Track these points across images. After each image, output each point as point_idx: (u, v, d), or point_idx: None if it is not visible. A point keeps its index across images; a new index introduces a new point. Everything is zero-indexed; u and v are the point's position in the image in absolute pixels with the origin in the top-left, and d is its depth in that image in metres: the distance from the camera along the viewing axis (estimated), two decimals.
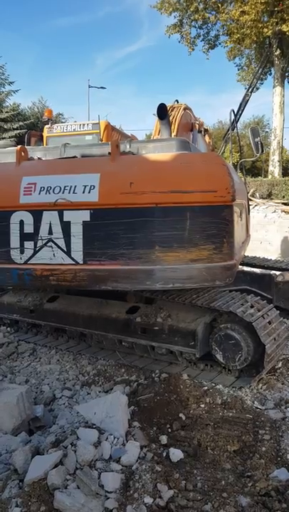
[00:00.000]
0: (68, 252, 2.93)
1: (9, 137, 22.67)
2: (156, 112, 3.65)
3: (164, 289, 3.17)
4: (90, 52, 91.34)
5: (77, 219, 2.90)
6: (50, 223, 2.94)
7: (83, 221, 2.89)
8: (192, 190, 2.80)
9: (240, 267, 5.62)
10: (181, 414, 2.73)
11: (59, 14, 77.63)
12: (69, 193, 2.90)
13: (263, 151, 5.25)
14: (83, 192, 2.88)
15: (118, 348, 3.82)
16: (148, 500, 1.98)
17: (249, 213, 5.02)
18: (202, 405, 2.86)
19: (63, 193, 2.91)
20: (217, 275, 2.84)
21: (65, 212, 2.91)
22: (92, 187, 2.88)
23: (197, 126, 5.83)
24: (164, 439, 2.48)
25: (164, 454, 2.34)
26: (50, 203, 2.92)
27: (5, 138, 22.66)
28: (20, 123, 24.20)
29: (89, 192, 2.87)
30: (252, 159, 6.07)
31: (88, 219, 2.89)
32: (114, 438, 2.33)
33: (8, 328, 4.58)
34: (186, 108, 5.99)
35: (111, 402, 2.49)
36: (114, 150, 3.01)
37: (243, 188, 4.38)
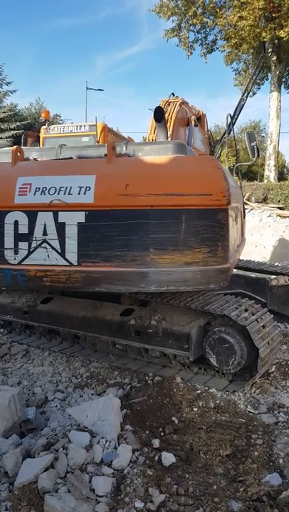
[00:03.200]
0: (63, 253, 2.92)
1: (6, 137, 22.63)
2: (153, 115, 3.68)
3: (158, 292, 3.16)
4: (89, 54, 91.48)
5: (72, 220, 2.89)
6: (44, 224, 2.93)
7: (78, 222, 2.89)
8: (187, 193, 2.80)
9: (235, 270, 5.64)
10: (173, 418, 2.72)
11: (59, 15, 77.66)
12: (64, 194, 2.89)
13: (259, 155, 5.26)
14: (78, 193, 2.88)
15: (112, 351, 3.80)
16: (139, 504, 1.97)
17: (244, 217, 5.03)
18: (195, 409, 2.85)
19: (58, 194, 2.90)
20: (212, 278, 2.84)
21: (60, 213, 2.91)
22: (87, 188, 2.88)
23: (193, 120, 5.78)
24: (156, 442, 2.46)
25: (156, 458, 2.32)
26: (45, 203, 2.91)
27: (1, 138, 22.62)
28: (18, 123, 24.15)
29: (84, 193, 2.87)
30: (248, 163, 6.09)
31: (83, 220, 2.89)
32: (106, 441, 2.32)
33: (1, 329, 4.55)
34: (183, 103, 5.94)
35: (103, 405, 2.48)
36: (111, 152, 3.01)
37: (238, 192, 4.38)
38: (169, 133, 5.05)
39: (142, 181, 2.87)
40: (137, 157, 3.24)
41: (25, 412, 2.62)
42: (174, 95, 6.17)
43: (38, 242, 2.95)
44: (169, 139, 4.86)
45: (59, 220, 2.91)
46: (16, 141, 21.55)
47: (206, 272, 2.82)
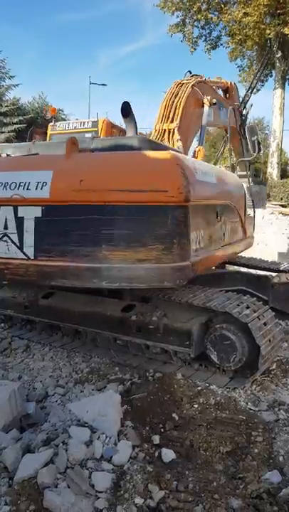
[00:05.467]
0: (21, 247, 2.99)
1: (8, 131, 22.57)
2: (120, 111, 3.58)
3: (111, 288, 3.13)
4: (93, 49, 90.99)
5: (30, 215, 2.97)
6: (5, 218, 3.02)
7: (35, 217, 2.96)
8: (142, 190, 2.79)
9: (236, 267, 5.61)
10: (174, 414, 2.72)
11: (63, 10, 77.10)
12: (23, 189, 2.97)
13: (260, 150, 5.19)
14: (36, 188, 2.95)
15: (112, 346, 3.79)
16: (138, 500, 1.97)
17: (246, 214, 4.98)
18: (195, 405, 2.84)
19: (18, 189, 2.98)
20: (166, 276, 2.82)
21: (19, 207, 2.99)
22: (44, 184, 2.94)
23: (208, 101, 5.37)
24: (156, 439, 2.46)
25: (156, 454, 2.32)
26: (6, 198, 2.99)
27: (4, 132, 22.55)
28: (20, 117, 24.03)
29: (41, 188, 2.93)
30: (248, 159, 5.99)
31: (40, 215, 2.95)
32: (107, 437, 2.31)
33: (2, 324, 4.54)
34: (200, 82, 5.50)
35: (104, 400, 2.48)
36: (69, 147, 3.04)
37: (229, 189, 4.28)
38: (177, 121, 4.85)
39: (96, 177, 2.89)
40: (96, 153, 3.24)
41: (25, 407, 2.61)
42: (190, 73, 5.79)
43: (0, 236, 3.01)
44: (176, 126, 4.71)
45: (18, 215, 2.99)
46: (19, 135, 21.54)
47: (160, 269, 2.81)
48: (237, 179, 5.04)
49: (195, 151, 5.11)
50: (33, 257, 2.99)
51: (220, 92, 6.59)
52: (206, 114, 5.24)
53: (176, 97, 5.11)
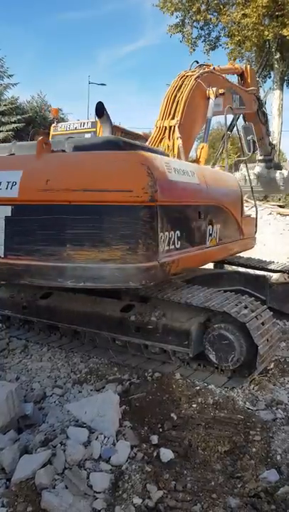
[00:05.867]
0: None
1: (6, 130, 22.53)
2: (95, 111, 3.57)
3: (76, 287, 3.14)
4: (93, 49, 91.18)
5: (1, 214, 3.03)
6: None
7: (5, 216, 3.03)
8: (106, 189, 2.80)
9: (234, 267, 5.61)
10: (172, 414, 2.71)
11: (63, 9, 77.35)
12: None
13: (255, 149, 5.13)
14: (6, 188, 3.02)
15: (111, 347, 3.79)
16: (137, 500, 1.96)
17: (244, 215, 4.90)
18: (194, 405, 2.84)
19: None
20: (131, 276, 2.82)
21: None
22: (13, 183, 3.00)
23: (213, 93, 5.04)
24: (154, 439, 2.46)
25: (155, 454, 2.32)
26: None
27: (2, 131, 22.51)
28: (19, 117, 23.97)
29: (11, 188, 3.00)
30: (244, 158, 5.96)
31: (10, 214, 3.02)
32: (105, 437, 2.31)
33: (0, 325, 4.53)
34: (206, 72, 5.18)
35: (102, 401, 2.47)
36: (39, 147, 3.07)
37: (218, 190, 4.20)
38: (178, 117, 4.61)
39: (62, 177, 2.92)
40: (68, 153, 3.26)
41: (23, 408, 2.60)
42: (197, 63, 5.48)
43: None
44: (177, 123, 4.59)
45: None
46: (17, 134, 21.50)
47: (124, 269, 2.81)
48: (232, 180, 4.89)
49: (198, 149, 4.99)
50: (3, 256, 3.06)
51: (235, 79, 6.22)
52: (211, 107, 5.00)
53: (178, 91, 4.81)
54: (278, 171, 8.03)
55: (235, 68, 6.58)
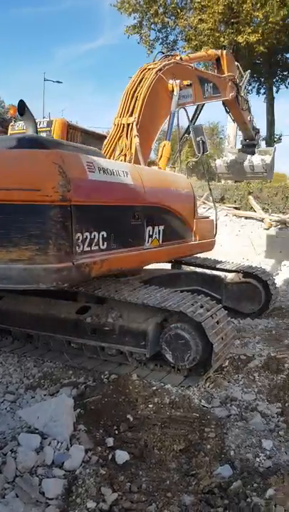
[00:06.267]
0: None
1: None
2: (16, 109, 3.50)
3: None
4: (50, 45, 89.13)
5: None
6: None
7: None
8: (15, 188, 2.76)
9: (192, 268, 5.70)
10: (128, 416, 2.70)
11: (19, 3, 74.95)
12: None
13: (205, 150, 5.08)
14: None
15: (66, 350, 3.71)
16: (91, 504, 1.93)
17: (196, 217, 4.83)
18: (150, 405, 2.84)
19: None
20: (40, 277, 2.77)
21: None
22: None
23: (177, 86, 4.79)
24: (110, 441, 2.43)
25: (110, 457, 2.29)
26: None
27: None
28: None
29: None
30: (194, 160, 5.99)
31: None
32: (58, 442, 2.26)
33: None
34: (169, 64, 4.89)
35: (56, 405, 2.41)
36: None
37: (161, 191, 4.15)
38: (136, 114, 4.45)
39: None
40: None
41: None
42: (163, 54, 5.26)
43: None
44: (135, 120, 4.44)
45: None
46: None
47: (33, 270, 2.77)
48: (182, 181, 4.77)
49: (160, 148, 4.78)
50: None
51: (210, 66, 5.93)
52: (174, 101, 4.81)
53: (138, 85, 4.63)
54: (260, 157, 7.78)
55: (208, 55, 6.38)
